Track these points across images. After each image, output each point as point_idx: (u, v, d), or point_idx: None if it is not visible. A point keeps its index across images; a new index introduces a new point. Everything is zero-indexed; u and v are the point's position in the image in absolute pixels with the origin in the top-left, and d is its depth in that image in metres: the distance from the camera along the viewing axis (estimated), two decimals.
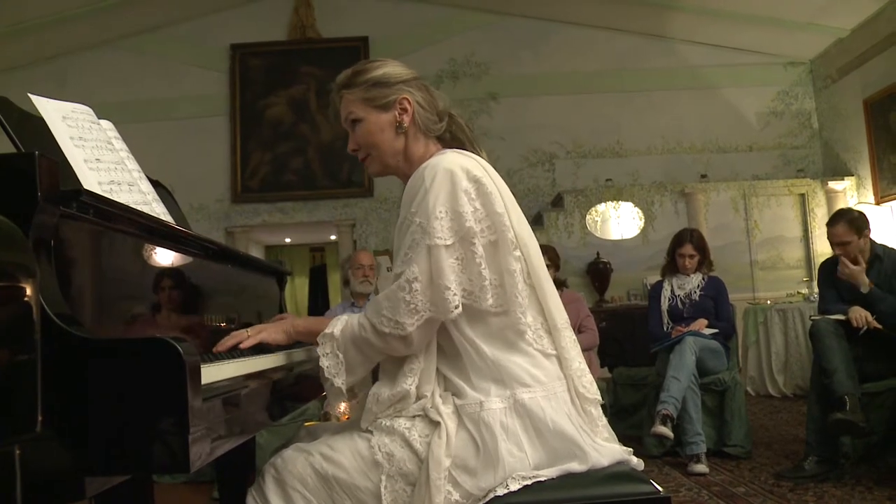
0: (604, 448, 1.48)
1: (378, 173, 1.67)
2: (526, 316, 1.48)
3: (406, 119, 1.59)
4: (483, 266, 1.45)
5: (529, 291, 1.51)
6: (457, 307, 1.42)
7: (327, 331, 1.50)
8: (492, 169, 1.55)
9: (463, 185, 1.45)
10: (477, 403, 1.42)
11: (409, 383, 1.46)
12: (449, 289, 1.41)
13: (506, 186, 1.55)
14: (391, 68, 1.62)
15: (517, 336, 1.48)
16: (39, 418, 0.94)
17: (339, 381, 1.48)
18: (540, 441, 1.42)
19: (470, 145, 1.64)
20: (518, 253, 1.49)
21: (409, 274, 1.42)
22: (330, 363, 1.48)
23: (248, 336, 1.58)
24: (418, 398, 1.46)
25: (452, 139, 1.65)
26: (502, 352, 1.46)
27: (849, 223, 3.69)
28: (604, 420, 1.55)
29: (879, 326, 3.41)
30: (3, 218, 0.98)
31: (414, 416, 1.45)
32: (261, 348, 1.62)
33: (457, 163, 1.48)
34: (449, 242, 1.42)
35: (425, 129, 1.61)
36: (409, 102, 1.59)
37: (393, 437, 1.44)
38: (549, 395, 1.45)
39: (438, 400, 1.45)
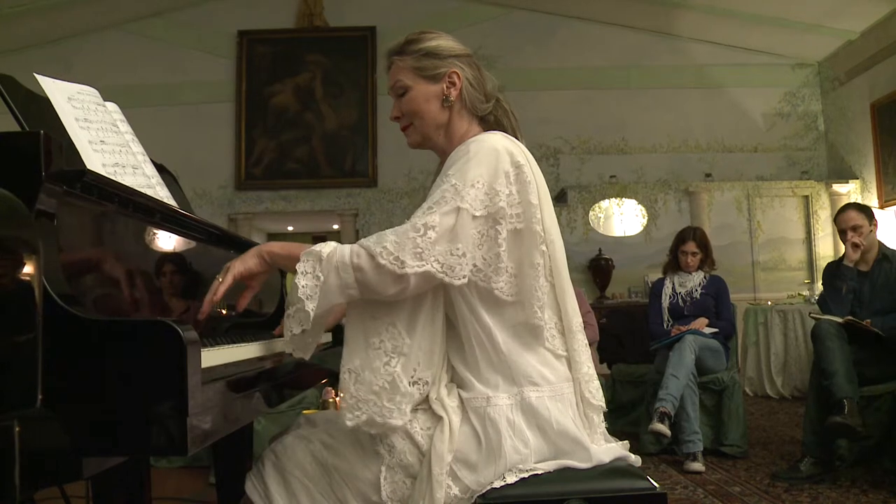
0: (605, 447, 1.48)
1: (417, 144, 1.63)
2: (543, 312, 1.46)
3: (453, 93, 1.57)
4: (503, 248, 1.41)
5: (549, 289, 1.49)
6: (464, 276, 1.37)
7: (314, 248, 1.40)
8: (532, 159, 1.53)
9: (505, 166, 1.43)
10: (483, 398, 1.41)
11: (393, 365, 1.37)
12: (463, 256, 1.37)
13: (543, 180, 1.52)
14: (445, 41, 1.60)
15: (532, 334, 1.46)
16: (40, 396, 0.94)
17: (311, 306, 1.35)
18: (544, 439, 1.41)
19: (513, 132, 1.61)
20: (544, 248, 1.47)
21: (428, 220, 1.36)
22: (308, 283, 1.36)
23: (220, 281, 1.44)
24: (414, 383, 1.40)
25: (496, 123, 1.62)
26: (516, 347, 1.45)
27: (859, 209, 3.79)
28: (602, 427, 1.54)
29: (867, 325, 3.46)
30: (8, 193, 0.98)
31: (416, 408, 1.44)
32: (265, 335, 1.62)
33: (502, 144, 1.46)
34: (477, 213, 1.39)
35: (471, 107, 1.59)
36: (459, 77, 1.57)
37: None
38: (556, 396, 1.44)
39: (444, 391, 1.43)
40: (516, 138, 1.58)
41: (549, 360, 1.47)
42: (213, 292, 1.44)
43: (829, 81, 8.24)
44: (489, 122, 1.62)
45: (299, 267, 1.38)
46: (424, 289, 1.39)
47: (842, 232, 3.75)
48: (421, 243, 1.34)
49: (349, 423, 1.36)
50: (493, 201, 1.41)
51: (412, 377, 1.39)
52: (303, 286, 1.36)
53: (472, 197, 1.38)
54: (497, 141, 1.47)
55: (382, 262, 1.33)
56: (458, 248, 1.36)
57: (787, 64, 8.39)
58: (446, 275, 1.36)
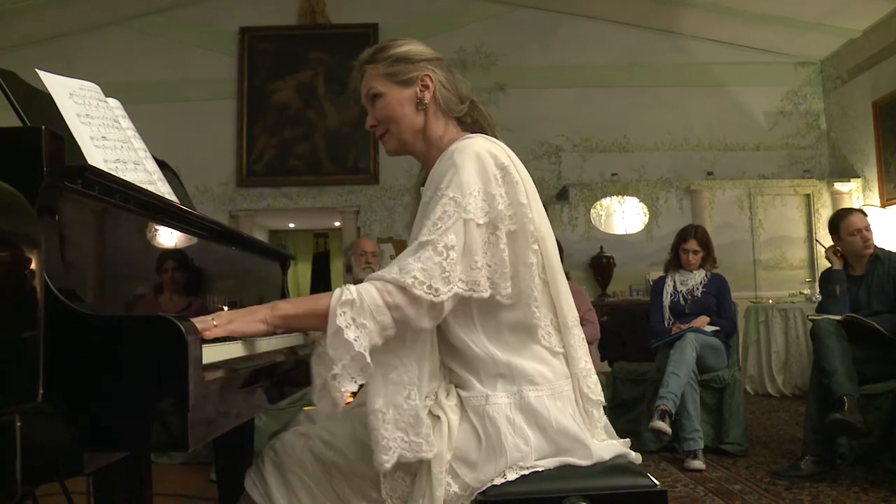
0: (605, 444, 1.48)
1: (395, 151, 1.62)
2: (539, 310, 1.47)
3: (427, 96, 1.56)
4: (506, 253, 1.42)
5: (543, 286, 1.48)
6: (488, 287, 1.38)
7: (346, 297, 1.29)
8: (516, 158, 1.53)
9: (491, 169, 1.43)
10: (483, 396, 1.42)
11: (413, 398, 1.34)
12: (481, 268, 1.37)
13: (529, 177, 1.52)
14: (415, 46, 1.60)
15: (528, 334, 1.46)
16: (41, 391, 0.94)
17: (367, 353, 1.28)
18: (544, 437, 1.41)
19: (491, 133, 1.61)
20: (536, 246, 1.47)
21: (447, 241, 1.33)
22: (359, 333, 1.27)
23: (215, 325, 1.26)
24: (426, 406, 1.40)
25: (474, 124, 1.62)
26: (513, 348, 1.45)
27: (861, 212, 3.83)
28: (604, 421, 1.54)
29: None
30: (10, 188, 0.97)
31: None
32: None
33: (484, 147, 1.46)
34: (481, 221, 1.39)
35: (446, 109, 1.58)
36: (431, 80, 1.56)
37: None
38: (554, 394, 1.44)
39: (441, 394, 1.44)
40: (495, 138, 1.58)
41: (547, 357, 1.47)
42: (198, 325, 1.20)
43: (831, 80, 8.23)
44: (466, 124, 1.62)
45: (340, 321, 1.27)
46: (447, 312, 1.37)
47: (851, 235, 3.72)
48: (447, 266, 1.33)
49: (386, 466, 1.32)
50: (491, 206, 1.41)
51: (424, 401, 1.39)
52: (355, 339, 1.27)
53: (474, 206, 1.38)
54: (479, 145, 1.46)
55: (418, 293, 1.30)
56: (475, 262, 1.37)
57: (790, 62, 8.38)
58: (473, 291, 1.37)
